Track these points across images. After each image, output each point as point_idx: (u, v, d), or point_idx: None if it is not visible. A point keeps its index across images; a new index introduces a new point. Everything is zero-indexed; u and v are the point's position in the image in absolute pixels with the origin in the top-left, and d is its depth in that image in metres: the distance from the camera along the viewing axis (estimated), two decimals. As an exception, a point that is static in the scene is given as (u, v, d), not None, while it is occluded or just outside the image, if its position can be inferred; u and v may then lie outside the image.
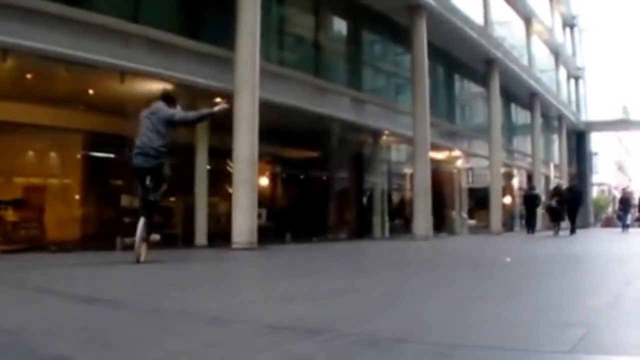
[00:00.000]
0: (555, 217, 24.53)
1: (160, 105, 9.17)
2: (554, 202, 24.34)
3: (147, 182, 8.94)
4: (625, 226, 28.24)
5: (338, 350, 2.93)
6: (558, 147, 44.07)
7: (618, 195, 33.63)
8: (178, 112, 9.38)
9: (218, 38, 15.15)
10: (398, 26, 22.53)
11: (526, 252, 13.14)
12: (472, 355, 2.80)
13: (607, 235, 24.20)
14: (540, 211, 28.44)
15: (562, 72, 46.67)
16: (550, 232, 24.09)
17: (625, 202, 29.86)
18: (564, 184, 27.10)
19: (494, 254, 12.64)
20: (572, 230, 23.54)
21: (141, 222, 8.67)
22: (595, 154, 53.95)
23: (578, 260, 10.22)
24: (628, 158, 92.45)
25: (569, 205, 23.81)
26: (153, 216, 9.09)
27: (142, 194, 8.98)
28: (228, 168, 14.56)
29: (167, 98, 9.46)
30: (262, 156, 15.33)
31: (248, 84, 14.15)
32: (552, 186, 30.79)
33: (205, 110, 9.97)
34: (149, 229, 8.89)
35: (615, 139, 75.35)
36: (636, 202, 30.08)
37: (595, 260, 10.39)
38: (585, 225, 45.44)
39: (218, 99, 12.10)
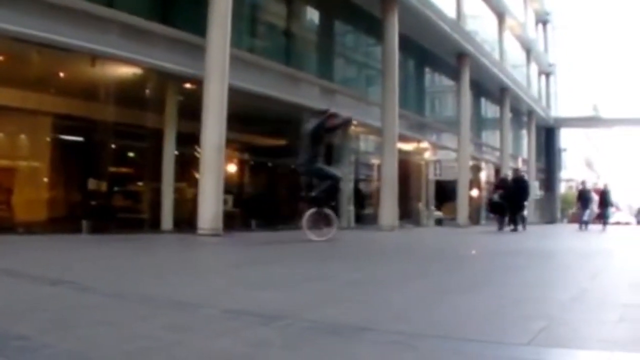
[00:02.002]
0: (498, 211, 23.21)
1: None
2: (496, 196, 22.95)
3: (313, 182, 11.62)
4: (583, 223, 27.02)
5: (296, 336, 3.01)
6: (527, 142, 44.64)
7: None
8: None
9: (190, 24, 15.22)
10: (370, 17, 22.76)
11: (492, 245, 13.36)
12: (432, 345, 2.88)
13: (556, 233, 24.00)
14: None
15: (534, 68, 47.29)
16: (494, 228, 23.10)
17: (582, 198, 28.28)
18: (510, 176, 25.27)
19: (460, 246, 12.86)
20: (515, 227, 21.96)
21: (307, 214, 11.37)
22: (564, 150, 54.49)
23: (544, 254, 10.40)
24: (597, 155, 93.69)
25: (514, 199, 22.30)
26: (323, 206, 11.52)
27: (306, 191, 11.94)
28: (196, 154, 14.66)
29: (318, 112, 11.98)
30: (230, 143, 15.46)
31: (218, 71, 14.30)
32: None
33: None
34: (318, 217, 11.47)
35: (585, 136, 76.33)
36: (595, 197, 29.36)
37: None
38: (552, 220, 46.15)
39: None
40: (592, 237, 18.07)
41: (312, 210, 11.43)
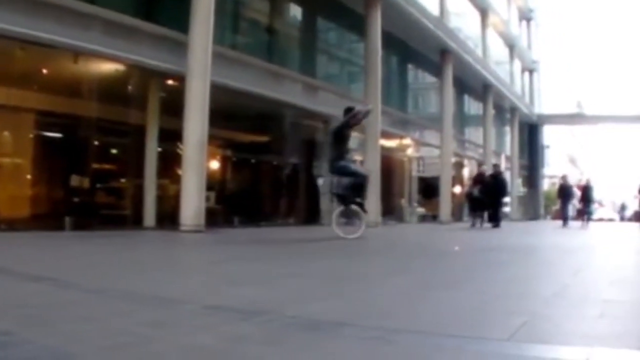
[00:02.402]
0: (477, 207, 22.62)
1: None
2: (476, 191, 22.31)
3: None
4: (564, 219, 26.10)
5: (275, 332, 3.01)
6: (510, 139, 44.92)
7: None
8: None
9: (173, 21, 15.32)
10: (354, 14, 22.92)
11: (474, 241, 13.38)
12: (411, 340, 2.87)
13: (537, 229, 23.65)
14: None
15: (517, 65, 47.57)
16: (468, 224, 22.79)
17: (563, 193, 27.28)
18: (488, 171, 24.84)
19: (442, 243, 12.94)
20: (496, 223, 21.57)
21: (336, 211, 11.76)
22: (548, 146, 54.86)
23: (525, 250, 10.48)
24: (581, 152, 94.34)
25: (492, 195, 21.87)
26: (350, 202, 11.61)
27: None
28: (178, 150, 14.76)
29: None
30: (212, 139, 15.58)
31: (200, 67, 14.47)
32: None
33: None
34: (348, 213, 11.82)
35: (569, 133, 76.86)
36: (577, 192, 29.01)
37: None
38: (535, 217, 46.54)
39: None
40: (572, 234, 17.92)
41: (340, 208, 11.70)
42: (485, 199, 21.80)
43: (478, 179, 23.21)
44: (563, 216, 26.62)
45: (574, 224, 25.83)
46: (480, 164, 32.51)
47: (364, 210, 11.76)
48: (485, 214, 22.27)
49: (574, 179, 42.54)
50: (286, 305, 3.77)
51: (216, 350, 2.63)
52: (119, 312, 3.46)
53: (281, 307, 3.67)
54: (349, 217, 11.79)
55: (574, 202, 29.30)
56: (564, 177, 28.87)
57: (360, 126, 21.96)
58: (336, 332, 3.01)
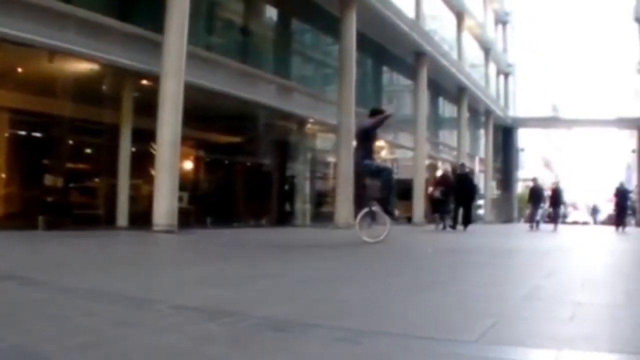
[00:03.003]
0: (438, 208, 22.40)
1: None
2: (438, 192, 21.93)
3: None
4: (534, 222, 26.30)
5: (242, 332, 3.05)
6: (484, 142, 45.36)
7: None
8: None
9: (148, 21, 15.46)
10: (329, 16, 23.09)
11: (447, 243, 13.42)
12: (377, 342, 2.89)
13: (506, 232, 23.17)
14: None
15: (492, 68, 48.10)
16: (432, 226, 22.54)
17: (534, 195, 27.19)
18: (452, 172, 24.62)
19: (416, 245, 12.95)
20: (465, 225, 21.32)
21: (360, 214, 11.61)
22: (522, 149, 55.38)
23: (499, 252, 10.65)
24: (556, 155, 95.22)
25: (458, 197, 21.53)
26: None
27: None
28: (151, 150, 14.88)
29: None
30: (186, 140, 15.72)
31: (174, 68, 14.62)
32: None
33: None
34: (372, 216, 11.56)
35: (544, 136, 77.62)
36: (547, 194, 28.72)
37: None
38: (509, 220, 47.00)
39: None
40: (541, 237, 18.06)
41: (364, 211, 11.48)
42: (449, 200, 21.61)
43: (441, 180, 22.99)
44: (532, 219, 26.75)
45: (545, 227, 25.76)
46: (454, 168, 32.48)
47: (391, 215, 11.32)
48: (460, 216, 21.83)
49: (549, 182, 42.85)
50: (254, 306, 3.81)
51: (181, 350, 2.66)
52: (86, 312, 3.50)
53: (249, 307, 3.72)
54: (372, 220, 11.47)
55: (543, 205, 29.03)
56: (534, 180, 28.85)
57: (333, 127, 22.30)
58: (303, 334, 3.05)
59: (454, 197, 21.54)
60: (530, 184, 55.34)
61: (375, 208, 11.21)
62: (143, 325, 3.15)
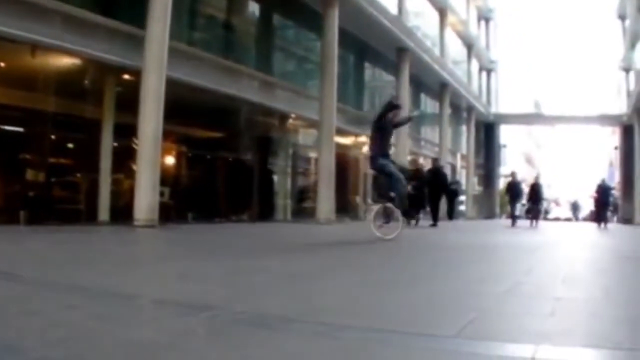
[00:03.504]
0: (411, 204, 21.57)
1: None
2: (410, 187, 19.34)
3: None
4: (514, 218, 25.47)
5: (221, 327, 3.06)
6: (466, 138, 45.70)
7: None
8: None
9: (130, 16, 15.55)
10: (311, 11, 23.27)
11: (427, 240, 13.21)
12: (357, 336, 2.90)
13: (483, 229, 22.37)
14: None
15: (475, 64, 48.43)
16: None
17: (512, 190, 26.64)
18: (427, 166, 23.71)
19: (397, 240, 12.71)
20: (434, 222, 20.57)
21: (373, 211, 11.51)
22: (504, 146, 55.73)
23: (480, 249, 10.51)
24: (538, 151, 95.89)
25: (432, 192, 20.80)
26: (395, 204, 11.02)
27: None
28: (133, 145, 14.97)
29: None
30: (168, 135, 15.80)
31: (156, 63, 14.76)
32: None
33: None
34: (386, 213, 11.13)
35: (525, 132, 78.16)
36: (525, 189, 27.84)
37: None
38: (491, 216, 47.38)
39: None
40: (520, 234, 17.69)
41: (377, 207, 11.32)
42: (422, 195, 20.59)
43: (414, 175, 20.81)
44: (512, 215, 26.14)
45: (525, 224, 25.33)
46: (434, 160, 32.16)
47: (407, 215, 11.16)
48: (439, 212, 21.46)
49: (531, 178, 43.03)
50: (234, 301, 3.83)
51: (159, 344, 2.67)
52: (66, 306, 3.50)
53: (229, 302, 3.76)
54: (386, 217, 11.06)
55: (522, 201, 28.31)
56: (512, 175, 28.46)
57: (315, 123, 22.42)
58: (281, 328, 3.07)
59: (428, 192, 20.87)
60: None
61: (390, 205, 10.91)
62: (123, 319, 3.20)
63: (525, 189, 27.99)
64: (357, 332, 2.99)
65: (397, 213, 10.92)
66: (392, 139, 12.69)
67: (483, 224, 29.39)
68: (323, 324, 3.15)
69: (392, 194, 10.85)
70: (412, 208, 20.11)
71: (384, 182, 11.24)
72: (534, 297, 4.46)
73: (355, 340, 2.85)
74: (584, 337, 3.06)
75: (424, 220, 21.29)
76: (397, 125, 11.97)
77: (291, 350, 2.66)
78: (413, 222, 20.65)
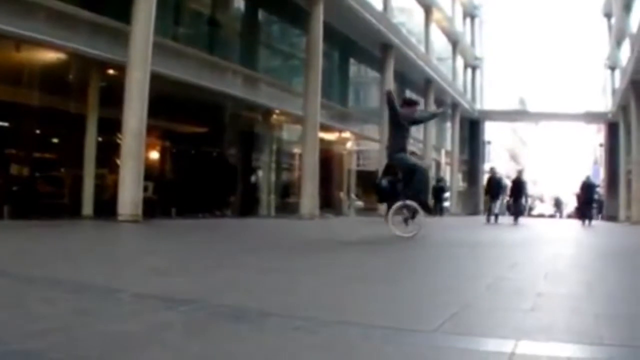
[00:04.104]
0: (385, 198, 21.06)
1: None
2: (385, 182, 20.53)
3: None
4: (492, 215, 24.38)
5: (199, 320, 3.10)
6: (451, 134, 45.87)
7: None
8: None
9: (115, 11, 15.57)
10: (296, 7, 23.40)
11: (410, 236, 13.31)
12: (336, 331, 2.92)
13: (460, 225, 21.91)
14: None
15: (460, 61, 48.67)
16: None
17: (492, 186, 25.32)
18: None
19: (380, 236, 12.50)
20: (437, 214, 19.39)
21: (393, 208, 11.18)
22: (489, 142, 55.99)
23: (464, 245, 10.62)
24: (523, 148, 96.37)
25: (407, 186, 19.89)
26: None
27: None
28: (118, 140, 15.05)
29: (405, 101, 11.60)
30: (152, 130, 15.89)
31: (141, 58, 14.85)
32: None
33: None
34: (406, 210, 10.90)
35: (510, 129, 78.52)
36: (507, 184, 27.39)
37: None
38: (475, 212, 47.59)
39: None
40: (503, 231, 17.63)
41: (398, 204, 10.97)
42: (397, 190, 19.70)
43: (387, 169, 21.06)
44: (489, 211, 25.00)
45: (507, 220, 25.04)
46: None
47: (427, 210, 11.14)
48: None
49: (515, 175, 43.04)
50: (214, 295, 3.89)
51: (137, 337, 2.71)
52: (47, 300, 3.55)
53: (208, 296, 3.81)
54: (406, 214, 10.80)
55: (503, 197, 27.80)
56: (492, 170, 28.11)
57: (299, 118, 22.51)
58: (261, 322, 3.09)
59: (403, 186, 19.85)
60: (497, 177, 55.79)
61: (410, 202, 10.69)
62: (103, 313, 3.24)
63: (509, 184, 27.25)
64: (336, 326, 3.02)
65: (420, 212, 10.73)
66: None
67: (466, 220, 29.37)
68: (302, 318, 3.16)
69: (411, 192, 10.72)
70: (385, 202, 20.18)
71: (403, 178, 11.07)
72: (515, 293, 4.50)
73: (335, 335, 2.88)
74: (564, 332, 3.08)
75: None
76: (418, 121, 12.00)
77: (270, 344, 2.68)
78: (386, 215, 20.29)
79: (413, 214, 10.70)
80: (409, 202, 10.71)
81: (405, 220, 10.75)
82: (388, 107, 11.00)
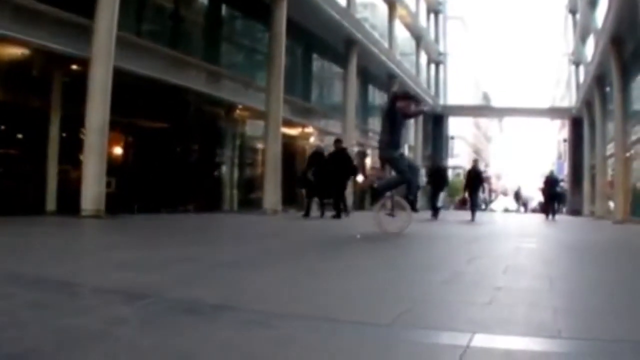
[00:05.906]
0: (312, 192, 19.80)
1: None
2: (310, 174, 19.44)
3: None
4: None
5: (155, 315, 3.12)
6: (414, 129, 46.18)
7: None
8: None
9: (78, 5, 15.61)
10: (259, 2, 23.63)
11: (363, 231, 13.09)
12: (290, 324, 2.97)
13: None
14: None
15: (424, 57, 49.22)
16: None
17: (434, 178, 23.35)
18: (328, 150, 21.01)
19: (343, 231, 12.65)
20: (339, 213, 18.84)
21: (378, 204, 11.07)
22: (452, 137, 56.70)
23: (417, 239, 10.53)
24: (486, 143, 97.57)
25: (333, 178, 18.62)
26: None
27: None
28: (81, 136, 15.18)
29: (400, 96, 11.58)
30: (115, 125, 16.07)
31: (104, 53, 15.05)
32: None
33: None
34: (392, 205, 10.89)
35: (474, 124, 79.53)
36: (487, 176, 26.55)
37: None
38: (443, 207, 48.14)
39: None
40: (460, 227, 17.46)
41: (382, 201, 10.91)
42: (324, 182, 18.94)
43: (314, 160, 20.02)
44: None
45: (455, 216, 24.99)
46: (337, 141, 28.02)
47: (414, 209, 10.96)
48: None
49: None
50: (170, 289, 3.92)
51: (90, 331, 2.72)
52: (3, 295, 3.56)
53: (165, 290, 3.84)
54: (392, 210, 10.75)
55: (446, 189, 27.20)
56: (435, 160, 28.54)
57: (262, 113, 22.78)
58: (216, 316, 3.13)
59: (329, 178, 18.76)
60: (461, 172, 56.36)
61: (397, 198, 10.73)
62: (58, 307, 3.25)
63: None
64: (290, 320, 3.09)
65: (406, 207, 10.74)
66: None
67: (428, 215, 29.52)
68: (257, 312, 3.23)
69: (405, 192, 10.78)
70: (312, 196, 19.87)
71: (392, 174, 11.28)
72: (472, 286, 4.53)
73: (287, 328, 2.92)
74: (522, 325, 3.12)
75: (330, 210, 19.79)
76: (408, 116, 11.60)
77: (223, 338, 2.73)
78: (316, 211, 20.43)
79: (400, 209, 10.71)
80: (397, 198, 10.77)
81: (391, 214, 10.76)
82: (388, 107, 10.90)
